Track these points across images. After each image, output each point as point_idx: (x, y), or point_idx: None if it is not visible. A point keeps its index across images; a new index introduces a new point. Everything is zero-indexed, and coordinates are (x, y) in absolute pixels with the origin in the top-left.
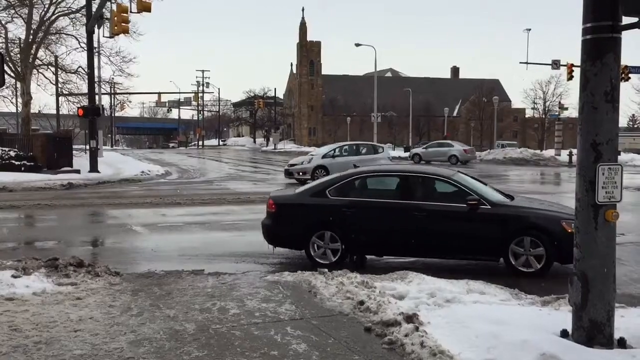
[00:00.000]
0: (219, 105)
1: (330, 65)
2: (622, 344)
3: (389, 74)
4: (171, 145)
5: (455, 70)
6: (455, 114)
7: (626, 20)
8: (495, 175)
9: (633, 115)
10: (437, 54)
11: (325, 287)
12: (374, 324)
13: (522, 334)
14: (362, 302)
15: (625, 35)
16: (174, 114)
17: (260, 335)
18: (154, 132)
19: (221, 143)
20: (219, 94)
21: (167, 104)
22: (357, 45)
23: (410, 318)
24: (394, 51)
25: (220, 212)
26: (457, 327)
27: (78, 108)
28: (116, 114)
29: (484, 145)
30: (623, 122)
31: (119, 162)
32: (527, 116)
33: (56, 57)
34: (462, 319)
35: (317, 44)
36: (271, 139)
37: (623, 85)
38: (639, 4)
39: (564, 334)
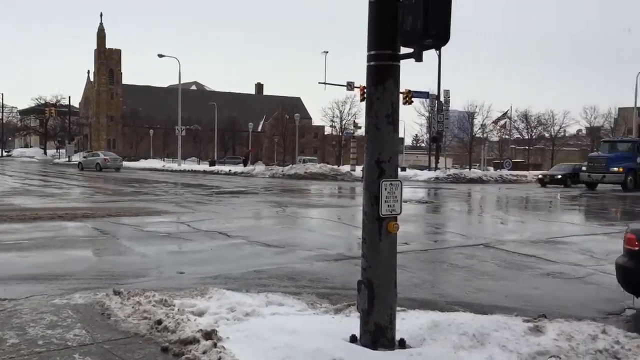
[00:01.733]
0: (2, 112)
1: (132, 75)
2: (402, 344)
3: (193, 87)
4: None
5: (259, 87)
6: (259, 129)
7: (404, 50)
8: (297, 190)
9: (416, 135)
10: (243, 70)
11: (120, 308)
12: (172, 343)
13: (316, 343)
14: (159, 322)
15: (409, 63)
16: None
17: None
18: None
19: (5, 154)
20: (2, 99)
21: None
22: (160, 56)
23: (209, 334)
24: (199, 64)
25: (1, 231)
26: (255, 340)
27: None
28: None
29: (286, 160)
30: (408, 141)
31: None
32: (326, 133)
33: None
34: (261, 331)
35: (117, 52)
36: (65, 150)
37: (408, 107)
38: (414, 37)
39: (353, 339)
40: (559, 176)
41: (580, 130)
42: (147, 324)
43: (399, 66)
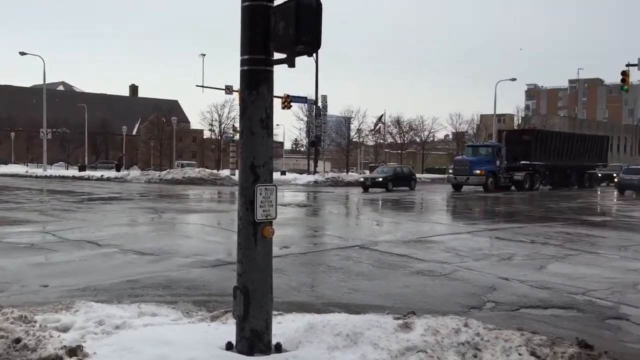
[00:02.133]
0: None
1: None
2: (278, 348)
3: (61, 87)
4: None
5: (134, 89)
6: (134, 132)
7: (278, 55)
8: (174, 195)
9: (296, 139)
10: (115, 71)
11: None
12: None
13: (190, 352)
14: (18, 340)
15: (287, 68)
16: None
17: None
18: None
19: None
20: None
21: None
22: (22, 54)
23: (74, 351)
24: (67, 64)
25: None
26: (125, 353)
27: None
28: None
29: (164, 164)
30: (288, 145)
31: None
32: (205, 137)
33: None
34: (131, 344)
35: None
36: None
37: (287, 112)
38: (286, 43)
39: (228, 346)
40: (380, 179)
41: (447, 135)
42: (4, 343)
43: (273, 71)
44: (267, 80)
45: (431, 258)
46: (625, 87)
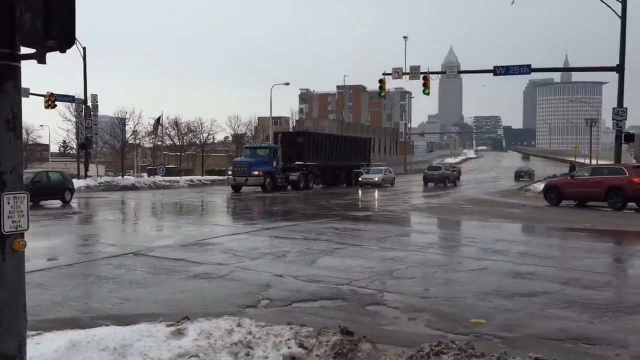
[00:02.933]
0: None
1: None
2: None
3: None
4: None
5: None
6: None
7: (27, 50)
8: None
9: (64, 141)
10: None
11: None
12: None
13: None
14: None
15: (54, 64)
16: None
17: None
18: None
19: None
20: None
21: None
22: None
23: None
24: None
25: None
26: None
27: None
28: None
29: None
30: (54, 147)
31: None
32: None
33: None
34: None
35: None
36: None
37: (53, 112)
38: (35, 37)
39: None
40: None
41: (227, 137)
42: None
43: (20, 67)
44: (14, 76)
45: (209, 260)
46: (383, 94)
